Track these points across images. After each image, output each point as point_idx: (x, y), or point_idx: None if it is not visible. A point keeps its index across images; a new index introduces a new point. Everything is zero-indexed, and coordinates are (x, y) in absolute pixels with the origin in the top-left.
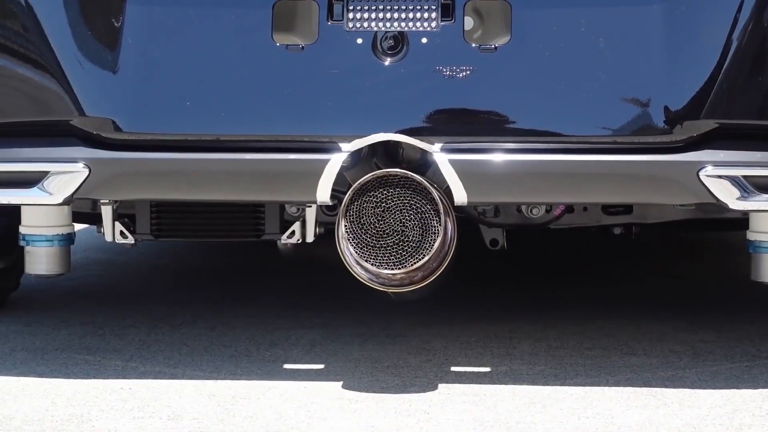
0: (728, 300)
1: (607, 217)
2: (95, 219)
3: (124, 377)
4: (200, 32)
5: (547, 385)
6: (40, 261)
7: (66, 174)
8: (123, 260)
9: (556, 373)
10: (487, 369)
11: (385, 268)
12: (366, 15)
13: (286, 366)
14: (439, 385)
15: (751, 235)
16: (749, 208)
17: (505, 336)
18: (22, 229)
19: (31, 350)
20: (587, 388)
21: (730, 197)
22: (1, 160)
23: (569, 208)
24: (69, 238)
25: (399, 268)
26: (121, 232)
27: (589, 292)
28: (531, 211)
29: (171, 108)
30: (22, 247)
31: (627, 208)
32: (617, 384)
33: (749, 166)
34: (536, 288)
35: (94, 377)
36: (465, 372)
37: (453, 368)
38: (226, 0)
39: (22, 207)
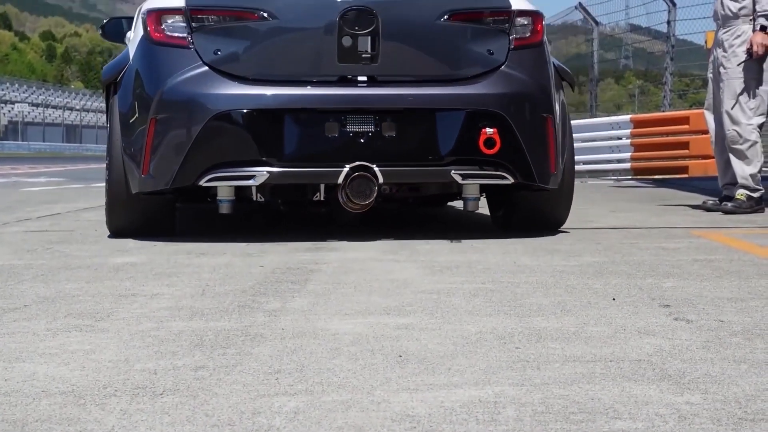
0: (713, 360)
1: (411, 194)
2: None
3: None
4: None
5: None
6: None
7: None
8: (103, 326)
9: None
10: None
11: (359, 201)
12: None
13: None
14: None
15: (464, 196)
16: (464, 183)
17: (489, 400)
18: None
19: (10, 422)
20: None
21: (460, 180)
22: None
23: (413, 192)
24: None
25: (363, 203)
26: None
27: (573, 353)
28: (394, 192)
29: None
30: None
31: (416, 190)
32: None
33: (471, 177)
34: (520, 348)
35: None
36: None
37: None
38: None
39: None
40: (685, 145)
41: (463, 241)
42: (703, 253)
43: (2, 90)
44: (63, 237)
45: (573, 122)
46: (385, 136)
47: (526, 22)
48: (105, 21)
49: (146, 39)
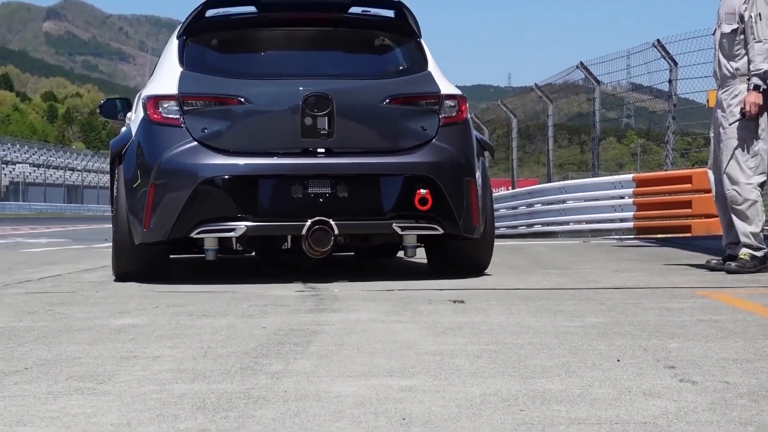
0: (720, 422)
1: (362, 244)
2: None
3: None
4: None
5: None
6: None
7: None
8: (105, 389)
9: None
10: None
11: (319, 249)
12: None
13: None
14: None
15: (404, 244)
16: (403, 233)
17: None
18: None
19: None
20: None
21: (400, 231)
22: None
23: (363, 242)
24: None
25: (323, 250)
26: None
27: (578, 415)
28: (347, 242)
29: None
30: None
31: (366, 240)
32: None
33: (408, 228)
34: (525, 411)
35: None
36: None
37: None
38: None
39: None
40: (687, 204)
41: (465, 301)
42: (707, 314)
43: (3, 151)
44: (64, 298)
45: (575, 181)
46: (340, 196)
47: (452, 104)
48: (102, 102)
49: (146, 119)
